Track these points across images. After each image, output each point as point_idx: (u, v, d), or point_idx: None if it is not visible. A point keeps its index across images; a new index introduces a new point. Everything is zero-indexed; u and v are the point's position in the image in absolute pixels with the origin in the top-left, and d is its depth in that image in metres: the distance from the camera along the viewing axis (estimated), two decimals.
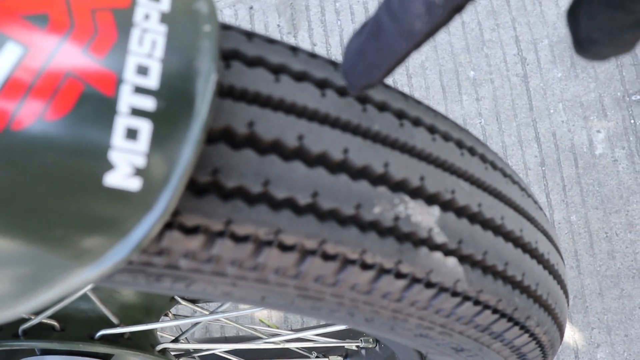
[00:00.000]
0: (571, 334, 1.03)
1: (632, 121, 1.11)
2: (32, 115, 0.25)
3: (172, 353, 0.69)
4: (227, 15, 1.31)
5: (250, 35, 0.34)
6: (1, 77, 0.25)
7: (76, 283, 0.28)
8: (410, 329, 0.41)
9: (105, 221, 0.26)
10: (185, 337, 0.67)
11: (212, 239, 0.30)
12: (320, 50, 1.27)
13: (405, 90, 1.23)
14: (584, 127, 1.13)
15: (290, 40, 1.29)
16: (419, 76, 1.22)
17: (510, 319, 0.43)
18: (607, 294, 1.04)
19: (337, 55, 1.26)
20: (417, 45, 0.28)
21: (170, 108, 0.27)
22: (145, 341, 0.63)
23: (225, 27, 0.33)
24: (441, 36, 1.23)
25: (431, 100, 1.21)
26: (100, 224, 0.26)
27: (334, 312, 0.37)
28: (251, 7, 1.31)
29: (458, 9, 0.27)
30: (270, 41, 0.34)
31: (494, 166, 0.42)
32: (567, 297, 0.52)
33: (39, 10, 0.26)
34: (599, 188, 1.09)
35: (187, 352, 0.72)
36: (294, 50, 0.35)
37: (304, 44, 1.28)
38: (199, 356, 0.78)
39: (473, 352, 0.47)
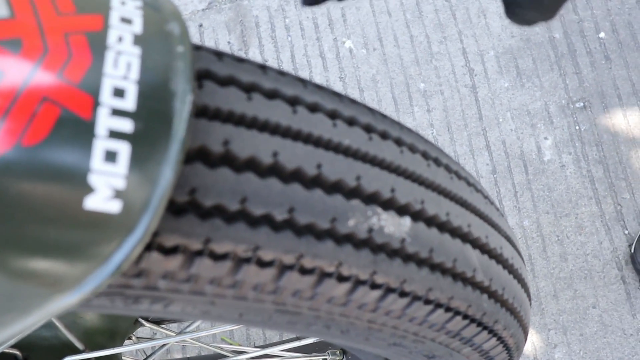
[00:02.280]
0: (529, 336, 1.06)
1: (577, 127, 1.15)
2: (9, 141, 0.25)
3: None
4: None
5: (220, 55, 0.34)
6: None
7: (56, 309, 0.28)
8: (385, 338, 0.42)
9: (86, 245, 0.26)
10: None
11: (191, 258, 0.30)
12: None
13: None
14: (532, 134, 1.17)
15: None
16: (370, 90, 1.23)
17: (479, 324, 0.44)
18: (561, 296, 1.07)
19: (289, 70, 1.27)
20: None
21: (148, 129, 0.27)
22: None
23: (196, 47, 0.33)
24: (391, 50, 1.25)
25: (384, 113, 1.23)
26: (80, 249, 0.26)
27: (311, 325, 0.38)
28: (200, 25, 1.31)
29: None
30: (240, 60, 0.35)
31: (459, 175, 0.43)
32: (529, 299, 0.54)
33: (12, 35, 0.26)
34: (549, 193, 1.13)
35: None
36: (263, 68, 0.35)
37: (256, 60, 1.28)
38: None
39: (444, 357, 0.48)
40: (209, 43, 1.31)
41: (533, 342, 1.05)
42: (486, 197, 0.47)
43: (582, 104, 1.17)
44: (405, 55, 1.24)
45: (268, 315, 0.36)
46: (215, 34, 1.30)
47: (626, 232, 1.08)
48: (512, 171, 1.15)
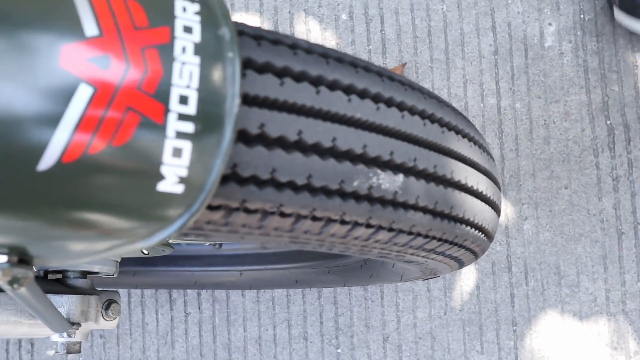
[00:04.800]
0: (504, 208, 1.18)
1: (582, 16, 1.19)
2: (103, 143, 0.33)
3: None
4: None
5: (258, 39, 0.40)
6: (78, 114, 0.32)
7: (132, 250, 0.37)
8: (374, 254, 0.52)
9: (157, 214, 0.35)
10: None
11: (229, 212, 0.39)
12: None
13: None
14: (538, 19, 1.20)
15: None
16: None
17: (451, 243, 0.55)
18: (539, 175, 1.18)
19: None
20: None
21: (205, 129, 0.35)
22: None
23: (238, 33, 0.40)
24: None
25: None
26: (153, 216, 0.35)
27: (317, 248, 0.48)
28: None
29: None
30: (275, 42, 0.41)
31: (449, 127, 0.51)
32: (499, 215, 0.64)
33: (102, 52, 0.33)
34: (543, 79, 1.19)
35: None
36: (294, 48, 0.42)
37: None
38: None
39: (420, 262, 0.59)
40: None
41: (507, 213, 1.18)
42: (471, 139, 0.55)
43: None
44: None
45: (284, 244, 0.45)
46: None
47: (608, 122, 1.16)
48: (512, 54, 1.21)
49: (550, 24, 1.20)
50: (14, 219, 0.33)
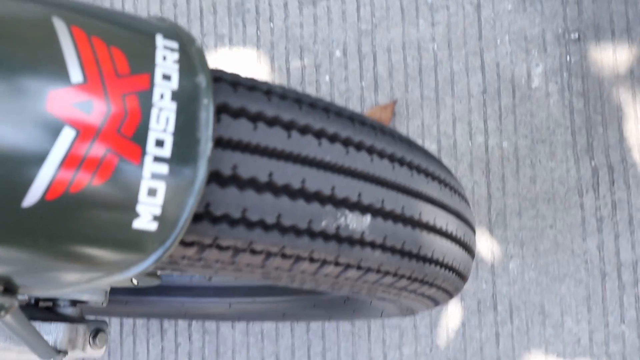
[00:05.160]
0: (490, 246, 1.20)
1: (568, 58, 1.23)
2: (83, 182, 0.35)
3: None
4: None
5: (235, 85, 0.43)
6: (61, 154, 0.35)
7: (110, 282, 0.40)
8: (345, 291, 0.54)
9: (133, 249, 0.38)
10: None
11: (203, 248, 0.42)
12: None
13: (367, 9, 1.30)
14: (525, 60, 1.24)
15: None
16: None
17: (421, 281, 0.57)
18: (524, 214, 1.20)
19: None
20: None
21: (179, 171, 0.37)
22: None
23: (215, 79, 0.43)
24: None
25: (390, 21, 1.29)
26: (129, 251, 0.38)
27: (289, 284, 0.50)
28: None
29: None
30: (250, 88, 0.44)
31: (419, 169, 0.54)
32: (472, 256, 0.66)
33: (85, 98, 0.36)
34: (530, 118, 1.22)
35: None
36: (268, 94, 0.45)
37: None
38: None
39: (393, 299, 0.61)
40: None
41: (493, 251, 1.20)
42: (442, 181, 0.58)
43: (576, 35, 1.23)
44: None
45: (256, 279, 0.48)
46: None
47: (593, 163, 1.19)
48: (500, 94, 1.24)
49: (537, 65, 1.23)
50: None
